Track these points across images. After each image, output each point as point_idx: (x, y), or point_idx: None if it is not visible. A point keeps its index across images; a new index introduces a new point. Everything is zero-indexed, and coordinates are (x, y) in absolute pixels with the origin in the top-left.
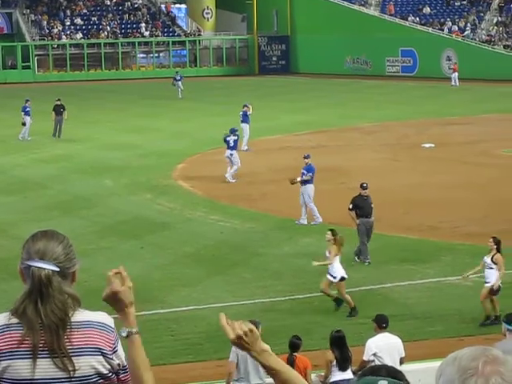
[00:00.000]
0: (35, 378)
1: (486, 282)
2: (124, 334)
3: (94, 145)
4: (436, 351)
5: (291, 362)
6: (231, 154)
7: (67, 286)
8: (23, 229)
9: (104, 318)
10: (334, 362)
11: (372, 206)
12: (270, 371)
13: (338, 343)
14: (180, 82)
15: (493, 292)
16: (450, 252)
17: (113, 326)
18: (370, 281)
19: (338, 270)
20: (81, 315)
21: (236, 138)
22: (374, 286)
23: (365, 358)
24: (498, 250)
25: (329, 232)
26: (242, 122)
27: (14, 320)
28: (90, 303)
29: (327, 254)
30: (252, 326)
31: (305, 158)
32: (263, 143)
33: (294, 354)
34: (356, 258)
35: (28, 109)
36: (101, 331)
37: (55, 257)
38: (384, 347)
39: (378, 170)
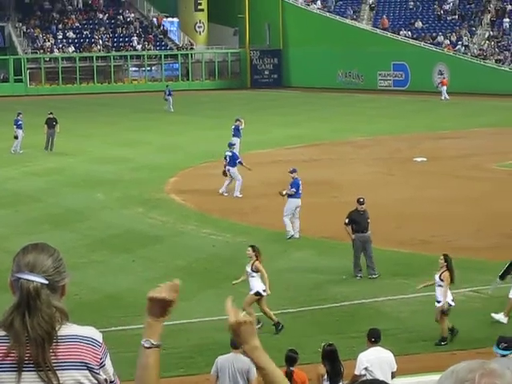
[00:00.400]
0: None
1: (438, 302)
2: (147, 345)
3: (86, 158)
4: (428, 365)
5: (289, 377)
6: (228, 170)
7: (56, 299)
8: (14, 242)
9: (92, 332)
10: (326, 376)
11: (368, 220)
12: (260, 370)
13: (330, 357)
14: (170, 97)
15: (444, 312)
16: None
17: (101, 340)
18: (363, 295)
19: (256, 284)
20: (68, 329)
21: (231, 153)
22: (366, 299)
23: (356, 372)
24: (448, 268)
25: (249, 248)
26: (234, 136)
27: (2, 333)
28: (81, 316)
29: (247, 269)
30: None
31: (290, 172)
32: (255, 157)
33: (291, 368)
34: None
35: (20, 122)
36: (87, 345)
37: (45, 269)
38: (375, 361)
39: (371, 184)
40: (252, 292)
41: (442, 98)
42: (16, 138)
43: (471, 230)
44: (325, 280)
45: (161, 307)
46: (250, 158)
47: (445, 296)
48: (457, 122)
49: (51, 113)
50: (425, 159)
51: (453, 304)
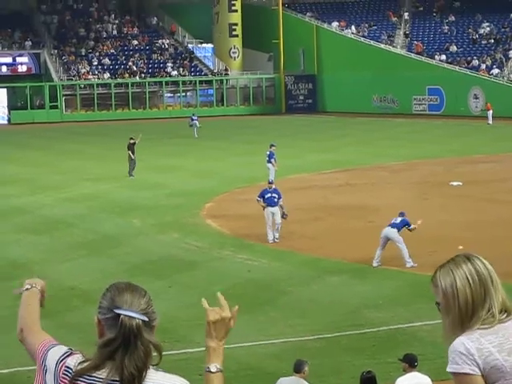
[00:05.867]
0: None
1: None
2: (214, 370)
3: (122, 184)
4: None
5: None
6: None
7: (152, 336)
8: (50, 268)
9: (178, 382)
10: None
11: None
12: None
13: None
14: (196, 122)
15: None
16: None
17: None
18: (398, 320)
19: None
20: (154, 378)
21: (272, 195)
22: (402, 325)
23: None
24: None
25: None
26: (269, 162)
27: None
28: None
29: None
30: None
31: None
32: (290, 182)
33: None
34: None
35: None
36: None
37: (142, 307)
38: None
39: (407, 208)
40: None
41: (490, 122)
42: None
43: (508, 254)
44: (360, 305)
45: (222, 328)
46: (285, 182)
47: None
48: (492, 146)
49: (132, 138)
50: (460, 183)
51: None
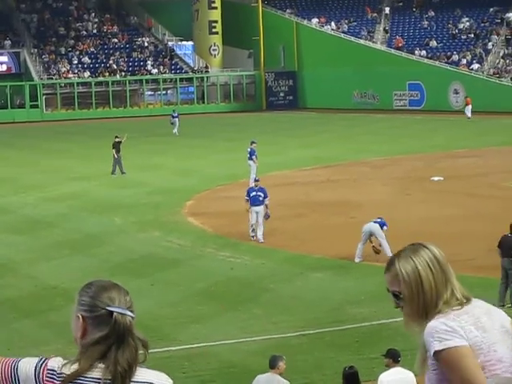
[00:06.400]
0: None
1: None
2: None
3: (103, 182)
4: None
5: None
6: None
7: (138, 331)
8: (33, 268)
9: (164, 379)
10: None
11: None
12: None
13: (351, 380)
14: (177, 119)
15: None
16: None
17: None
18: (381, 315)
19: None
20: (141, 375)
21: (257, 193)
22: (385, 320)
23: None
24: None
25: None
26: (250, 159)
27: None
28: None
29: None
30: None
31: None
32: (271, 179)
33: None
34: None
35: None
36: None
37: (128, 305)
38: (396, 382)
39: (388, 203)
40: None
41: (469, 116)
42: None
43: (487, 248)
44: (343, 301)
45: None
46: (267, 179)
47: None
48: (473, 140)
49: (117, 136)
50: (441, 178)
51: None
